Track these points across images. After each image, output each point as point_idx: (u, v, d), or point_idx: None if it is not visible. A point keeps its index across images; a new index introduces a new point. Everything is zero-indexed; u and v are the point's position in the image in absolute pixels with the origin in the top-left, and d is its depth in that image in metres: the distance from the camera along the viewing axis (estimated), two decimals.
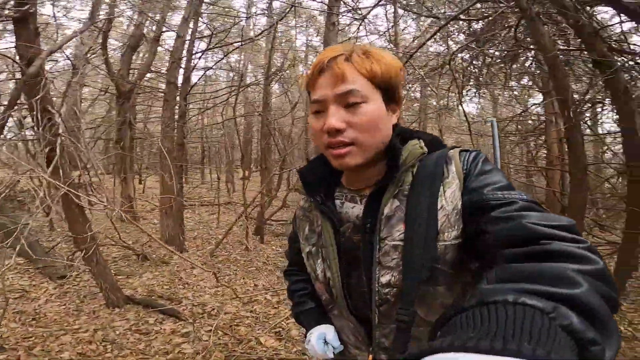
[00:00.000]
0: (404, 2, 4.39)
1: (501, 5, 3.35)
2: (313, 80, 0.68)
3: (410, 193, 0.65)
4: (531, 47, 3.78)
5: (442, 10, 4.14)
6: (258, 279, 4.27)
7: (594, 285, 0.37)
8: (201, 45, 7.54)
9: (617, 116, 3.41)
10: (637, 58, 3.23)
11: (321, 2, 3.95)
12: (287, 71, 7.58)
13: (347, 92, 0.64)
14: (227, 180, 11.28)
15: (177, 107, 5.87)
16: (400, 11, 4.96)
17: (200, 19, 6.18)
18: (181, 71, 5.98)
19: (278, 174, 7.58)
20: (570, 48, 3.56)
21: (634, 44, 3.19)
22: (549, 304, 0.32)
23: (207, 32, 6.64)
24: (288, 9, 4.49)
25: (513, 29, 3.60)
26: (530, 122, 6.90)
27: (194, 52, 6.30)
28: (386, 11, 4.28)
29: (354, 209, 0.72)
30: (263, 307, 3.43)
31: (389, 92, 0.68)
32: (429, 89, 6.86)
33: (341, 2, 3.99)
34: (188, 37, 5.98)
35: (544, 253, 0.44)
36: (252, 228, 5.61)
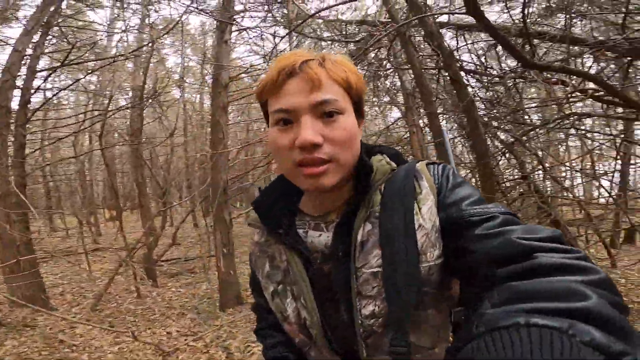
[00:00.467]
0: (283, 22, 4.59)
1: (379, 28, 3.85)
2: (277, 86, 0.58)
3: (381, 214, 0.59)
4: (402, 67, 4.43)
5: (326, 34, 4.50)
6: (168, 325, 3.71)
7: (602, 294, 0.36)
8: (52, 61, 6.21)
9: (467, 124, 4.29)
10: (482, 77, 4.15)
11: (212, 18, 3.77)
12: (161, 94, 6.92)
13: (325, 102, 0.56)
14: (89, 224, 9.40)
15: (11, 138, 4.64)
16: (283, 32, 5.15)
17: (50, 32, 5.12)
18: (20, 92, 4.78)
19: (164, 209, 6.72)
20: (435, 67, 4.33)
21: (489, 66, 4.08)
22: (564, 321, 0.30)
23: (55, 46, 5.50)
24: (173, 25, 4.10)
25: (386, 49, 4.18)
26: (395, 134, 8.06)
27: (37, 70, 5.13)
28: (275, 32, 4.38)
29: (320, 238, 0.64)
30: (190, 355, 2.97)
31: (359, 105, 0.64)
32: None
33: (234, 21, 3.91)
34: (29, 52, 4.85)
35: (540, 268, 0.41)
36: (140, 272, 4.85)
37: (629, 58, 2.53)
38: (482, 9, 2.06)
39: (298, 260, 0.62)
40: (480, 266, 0.48)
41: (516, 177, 4.46)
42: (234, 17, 3.85)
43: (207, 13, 3.86)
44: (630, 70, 2.69)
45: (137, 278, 4.73)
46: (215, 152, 4.26)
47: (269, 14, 4.11)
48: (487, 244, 0.49)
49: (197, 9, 3.69)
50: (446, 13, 3.35)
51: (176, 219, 9.20)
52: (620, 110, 3.54)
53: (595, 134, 4.43)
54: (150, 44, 4.35)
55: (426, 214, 0.57)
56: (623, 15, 2.31)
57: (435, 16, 3.33)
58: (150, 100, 6.32)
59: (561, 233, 0.48)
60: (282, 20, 4.29)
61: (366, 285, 0.56)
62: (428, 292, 0.56)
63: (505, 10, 2.94)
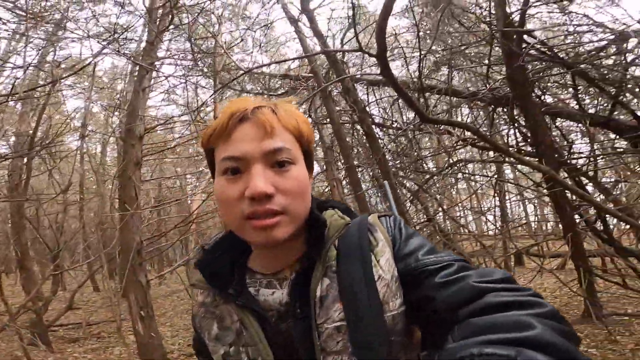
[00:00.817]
0: (208, 72, 4.70)
1: (301, 82, 4.26)
2: (227, 132, 0.56)
3: (339, 268, 0.58)
4: (322, 121, 4.89)
5: (249, 87, 4.75)
6: None
7: (548, 324, 0.39)
8: None
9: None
10: (388, 129, 4.81)
11: (134, 63, 3.69)
12: (55, 142, 6.15)
13: (277, 150, 0.55)
14: None
15: None
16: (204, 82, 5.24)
17: None
18: None
19: (55, 273, 5.67)
20: (350, 121, 4.86)
21: (395, 120, 4.73)
22: (512, 349, 0.34)
23: None
24: (83, 65, 3.82)
25: (307, 104, 4.59)
26: (315, 188, 8.47)
27: None
28: (197, 81, 4.46)
29: (274, 296, 0.61)
30: None
31: (309, 156, 0.63)
32: None
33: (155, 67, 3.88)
34: None
35: (495, 305, 0.45)
36: (28, 337, 4.10)
37: (492, 106, 3.29)
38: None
39: (253, 320, 0.58)
40: (442, 312, 0.50)
41: (423, 220, 5.07)
42: (155, 63, 3.83)
43: (127, 57, 3.76)
44: (495, 117, 3.46)
45: (24, 341, 3.88)
46: (125, 212, 3.85)
47: (195, 64, 4.21)
48: (447, 290, 0.51)
49: (118, 51, 3.57)
50: (368, 74, 3.88)
51: (69, 283, 7.86)
52: (492, 154, 4.44)
53: (476, 177, 5.38)
54: (50, 84, 3.94)
55: (385, 265, 0.58)
56: (486, 67, 3.04)
57: (348, 71, 3.87)
58: (40, 150, 5.56)
59: (511, 275, 0.53)
60: (208, 70, 4.42)
61: (330, 341, 0.55)
62: (395, 340, 0.56)
63: (404, 66, 3.57)
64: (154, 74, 4.00)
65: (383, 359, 0.52)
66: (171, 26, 3.45)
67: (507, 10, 2.67)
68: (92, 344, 5.17)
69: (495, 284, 0.49)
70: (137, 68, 3.75)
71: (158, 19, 3.40)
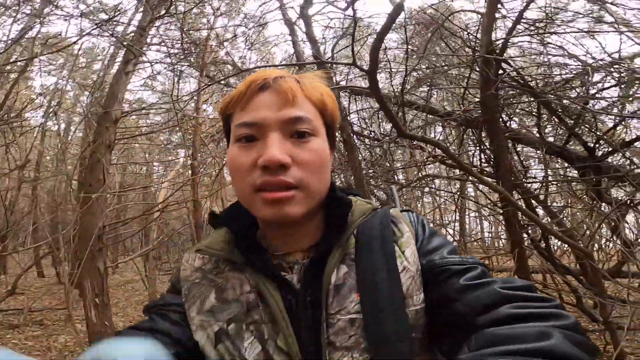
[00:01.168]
0: (196, 65, 4.66)
1: None
2: (245, 99, 0.53)
3: (358, 257, 0.54)
4: None
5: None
6: None
7: (567, 335, 0.38)
8: None
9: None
10: (365, 139, 5.00)
11: (125, 47, 3.61)
12: (19, 117, 5.79)
13: (298, 119, 0.51)
14: None
15: None
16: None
17: None
18: None
19: (3, 254, 5.32)
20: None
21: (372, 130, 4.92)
22: (528, 359, 0.34)
23: None
24: (68, 44, 3.65)
25: None
26: None
27: None
28: (181, 70, 4.40)
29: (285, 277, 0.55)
30: None
31: (332, 132, 0.59)
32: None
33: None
34: None
35: (517, 316, 0.43)
36: None
37: (463, 127, 3.57)
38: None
39: (274, 291, 0.52)
40: (463, 314, 0.48)
41: None
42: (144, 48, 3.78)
43: (119, 40, 3.66)
44: (465, 137, 3.75)
45: None
46: (89, 194, 3.73)
47: (183, 53, 4.18)
48: (471, 293, 0.49)
49: (112, 34, 3.47)
50: (354, 86, 4.00)
51: (11, 267, 7.36)
52: (457, 172, 4.76)
53: (441, 192, 5.73)
54: (27, 60, 3.75)
55: (410, 257, 0.55)
56: (463, 89, 3.31)
57: (335, 80, 4.02)
58: (2, 124, 5.22)
59: (532, 284, 0.56)
60: (194, 61, 4.40)
61: (341, 335, 0.49)
62: (416, 337, 0.51)
63: (389, 79, 3.78)
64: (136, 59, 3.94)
65: (401, 357, 0.48)
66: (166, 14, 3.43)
67: (493, 37, 2.83)
68: (34, 330, 4.93)
69: (519, 292, 0.47)
70: (124, 51, 3.68)
71: (154, 5, 3.37)
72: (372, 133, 4.82)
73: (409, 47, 3.57)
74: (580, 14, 3.10)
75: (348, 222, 0.56)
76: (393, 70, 3.82)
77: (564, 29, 3.05)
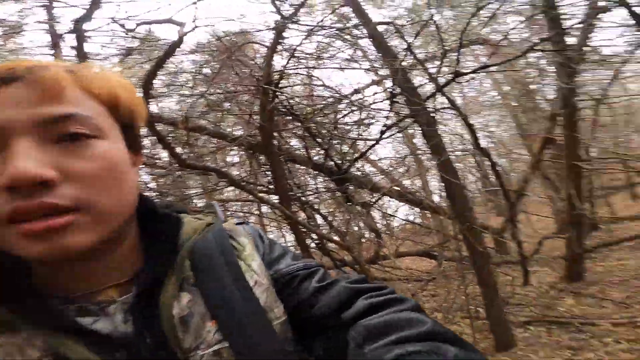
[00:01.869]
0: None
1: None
2: None
3: (200, 279, 0.46)
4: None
5: None
6: None
7: (429, 318, 0.41)
8: None
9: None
10: (152, 169, 4.58)
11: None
12: None
13: (64, 117, 0.37)
14: None
15: None
16: None
17: None
18: None
19: None
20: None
21: None
22: (429, 344, 0.35)
23: None
24: None
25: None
26: None
27: None
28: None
29: (95, 325, 0.40)
30: None
31: (132, 133, 0.46)
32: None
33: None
34: None
35: (375, 306, 0.45)
36: None
37: (251, 151, 3.86)
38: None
39: (90, 354, 0.36)
40: (325, 315, 0.48)
41: None
42: None
43: None
44: (253, 160, 4.05)
45: None
46: None
47: None
48: (326, 294, 0.49)
49: None
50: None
51: None
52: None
53: (239, 213, 5.92)
54: None
55: (258, 270, 0.51)
56: (248, 115, 3.60)
57: None
58: None
59: (364, 276, 0.57)
60: None
61: None
62: (290, 351, 0.48)
63: (179, 104, 3.71)
64: None
65: None
66: None
67: (273, 68, 3.24)
68: None
69: (363, 284, 0.50)
70: None
71: None
72: (159, 160, 4.50)
73: (201, 74, 3.71)
74: (342, 51, 3.95)
75: (180, 242, 0.47)
76: (182, 94, 3.76)
77: (325, 64, 3.85)
